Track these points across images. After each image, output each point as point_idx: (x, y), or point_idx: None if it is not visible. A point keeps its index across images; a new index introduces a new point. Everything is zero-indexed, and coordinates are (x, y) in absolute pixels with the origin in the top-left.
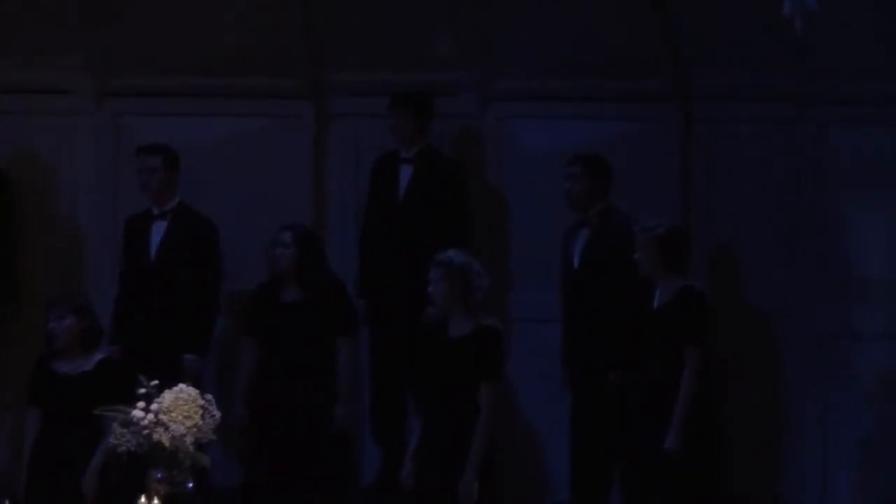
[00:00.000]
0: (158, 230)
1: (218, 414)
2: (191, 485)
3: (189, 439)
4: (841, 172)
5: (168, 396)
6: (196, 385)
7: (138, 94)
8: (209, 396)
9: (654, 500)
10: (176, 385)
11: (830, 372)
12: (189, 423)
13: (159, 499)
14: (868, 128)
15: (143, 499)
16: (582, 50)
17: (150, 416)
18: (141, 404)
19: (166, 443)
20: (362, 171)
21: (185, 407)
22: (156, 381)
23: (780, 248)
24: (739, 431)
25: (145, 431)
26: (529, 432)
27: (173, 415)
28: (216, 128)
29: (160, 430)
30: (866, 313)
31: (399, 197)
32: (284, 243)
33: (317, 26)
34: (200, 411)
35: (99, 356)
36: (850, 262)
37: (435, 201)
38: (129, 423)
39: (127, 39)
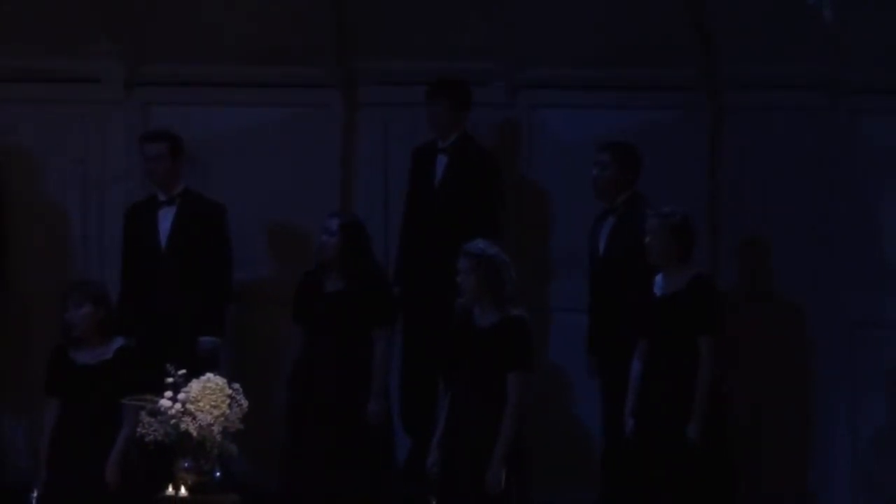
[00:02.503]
0: (166, 216)
1: (245, 403)
2: (218, 474)
3: (216, 428)
4: (872, 161)
5: (195, 386)
6: (212, 367)
7: (168, 83)
8: (237, 385)
9: (678, 489)
10: (193, 370)
11: (860, 360)
12: (216, 412)
13: (186, 488)
14: None
15: (169, 488)
16: (612, 38)
17: (178, 406)
18: (168, 394)
19: (194, 432)
20: (391, 160)
21: (213, 396)
22: (183, 371)
23: (809, 237)
24: (768, 421)
25: (173, 421)
26: (567, 421)
27: (201, 404)
28: (245, 117)
29: (188, 419)
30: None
31: (435, 187)
32: (330, 231)
33: (346, 15)
34: (228, 400)
35: (117, 344)
36: (880, 251)
37: (469, 190)
38: (156, 413)
39: (157, 28)
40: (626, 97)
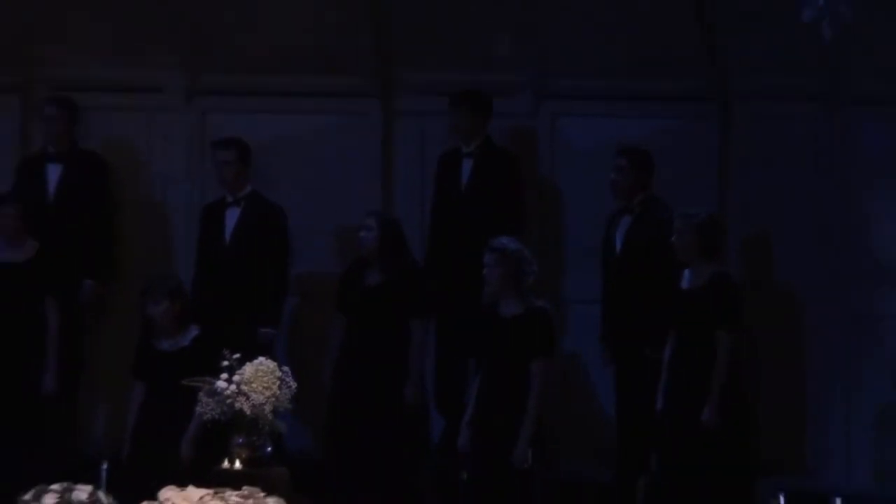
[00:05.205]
0: (232, 216)
1: (294, 384)
2: (269, 449)
3: (268, 408)
4: (867, 166)
5: (249, 369)
6: (268, 355)
7: (223, 93)
8: (286, 368)
9: (690, 468)
10: (253, 356)
11: (855, 349)
12: (268, 392)
13: (241, 462)
14: (893, 124)
15: (226, 462)
16: (629, 53)
17: (233, 387)
18: (224, 376)
19: (247, 411)
20: (427, 165)
21: (265, 378)
22: (238, 355)
23: (810, 236)
24: (771, 404)
25: (228, 401)
26: (582, 404)
27: (253, 385)
28: (292, 124)
29: (242, 399)
30: (889, 295)
31: (461, 188)
32: (368, 227)
33: (385, 30)
34: (278, 382)
35: (194, 333)
36: (875, 248)
37: (494, 191)
38: (213, 394)
39: (214, 42)
40: (642, 107)
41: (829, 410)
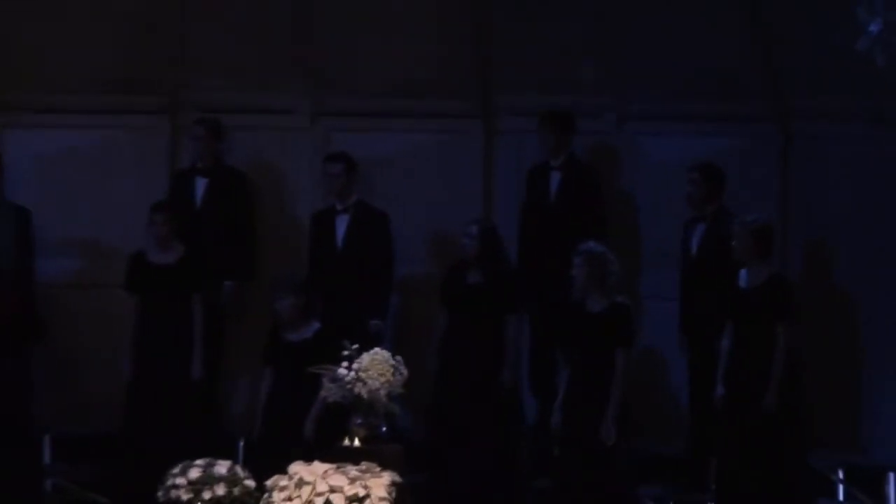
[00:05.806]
0: (342, 222)
1: (405, 371)
2: (384, 429)
3: (383, 392)
4: None
5: (366, 358)
6: (379, 344)
7: (344, 115)
8: (399, 357)
9: (752, 448)
10: (364, 345)
11: None
12: (383, 379)
13: (359, 440)
14: None
15: (346, 440)
16: (699, 78)
17: (352, 374)
18: (345, 364)
19: (365, 395)
20: (522, 178)
21: (380, 366)
22: (356, 345)
23: (865, 242)
24: (828, 385)
25: (348, 386)
26: (658, 388)
27: (370, 373)
28: (404, 142)
29: (360, 385)
30: None
31: (550, 198)
32: (471, 234)
33: (485, 60)
34: (392, 370)
35: (316, 326)
36: None
37: (579, 200)
38: (336, 380)
39: (336, 71)
40: (712, 126)
41: (883, 390)
